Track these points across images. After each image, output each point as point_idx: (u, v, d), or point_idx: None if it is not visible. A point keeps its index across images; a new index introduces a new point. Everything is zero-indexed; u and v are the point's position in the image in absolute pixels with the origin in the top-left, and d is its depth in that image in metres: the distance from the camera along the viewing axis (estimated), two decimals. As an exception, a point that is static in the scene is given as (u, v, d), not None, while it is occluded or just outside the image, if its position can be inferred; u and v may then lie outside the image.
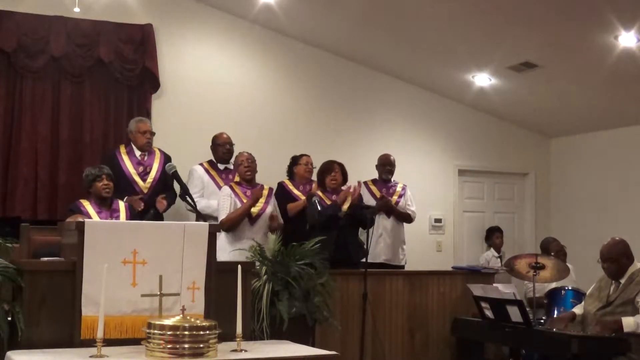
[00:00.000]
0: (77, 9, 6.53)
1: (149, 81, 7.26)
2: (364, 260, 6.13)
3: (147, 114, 7.12)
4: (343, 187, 6.59)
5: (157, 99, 7.35)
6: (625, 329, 4.94)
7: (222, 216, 6.04)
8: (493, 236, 8.62)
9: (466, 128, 8.90)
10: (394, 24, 7.21)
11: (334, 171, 6.55)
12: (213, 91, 7.63)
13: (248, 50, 7.84)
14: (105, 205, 5.67)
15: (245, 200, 6.09)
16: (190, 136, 7.26)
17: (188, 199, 5.74)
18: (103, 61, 7.05)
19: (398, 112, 8.54)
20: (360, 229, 6.57)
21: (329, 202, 6.44)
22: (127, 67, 7.15)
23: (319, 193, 6.47)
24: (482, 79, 8.04)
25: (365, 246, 6.11)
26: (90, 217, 5.49)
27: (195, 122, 7.40)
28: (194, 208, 5.67)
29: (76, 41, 6.95)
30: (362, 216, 6.29)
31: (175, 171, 6.13)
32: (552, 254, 6.98)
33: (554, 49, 7.07)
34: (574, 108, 8.44)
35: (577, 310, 5.50)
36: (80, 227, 3.60)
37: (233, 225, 6.01)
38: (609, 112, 8.22)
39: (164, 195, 6.30)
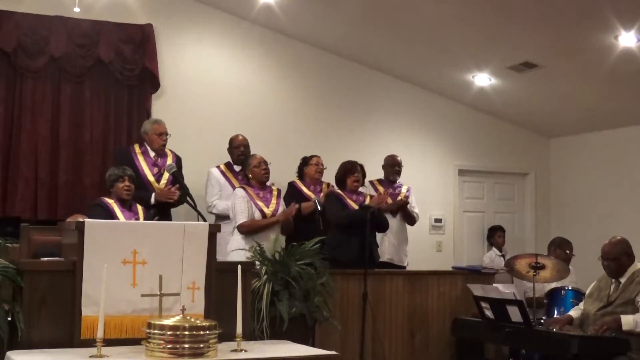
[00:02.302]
0: (77, 9, 6.53)
1: (149, 81, 7.26)
2: (383, 259, 6.31)
3: (147, 114, 7.13)
4: (360, 189, 6.62)
5: (157, 99, 7.35)
6: (624, 327, 4.94)
7: (240, 219, 5.99)
8: (495, 235, 8.65)
9: (466, 128, 8.90)
10: (394, 24, 7.21)
11: (357, 172, 6.55)
12: (213, 91, 7.63)
13: (248, 50, 7.84)
14: (126, 207, 5.67)
15: (259, 202, 6.07)
16: (190, 136, 7.25)
17: (188, 199, 5.76)
18: (103, 61, 7.05)
19: (398, 112, 8.54)
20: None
21: (351, 202, 6.44)
22: (127, 67, 7.15)
23: (339, 191, 6.48)
24: (482, 79, 8.04)
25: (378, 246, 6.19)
26: (114, 215, 5.50)
27: (195, 122, 7.40)
28: (193, 208, 5.69)
29: (76, 41, 6.95)
30: (380, 219, 6.32)
31: (175, 171, 6.15)
32: (567, 252, 6.99)
33: (554, 49, 7.07)
34: (574, 108, 8.44)
35: (574, 313, 5.49)
36: (80, 227, 3.60)
37: (253, 232, 5.97)
38: (609, 112, 8.22)
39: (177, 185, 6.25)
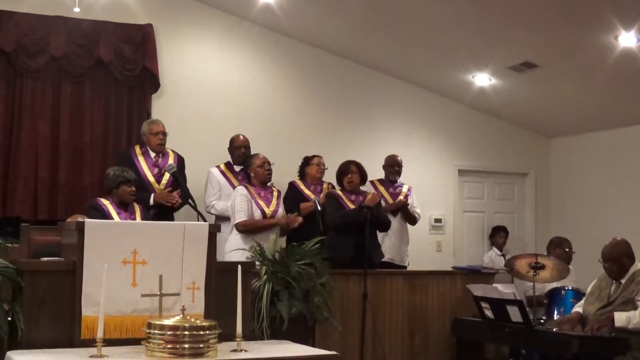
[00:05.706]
0: (77, 9, 6.54)
1: (149, 81, 7.26)
2: (383, 259, 6.37)
3: (147, 114, 7.13)
4: (362, 187, 6.63)
5: (157, 99, 7.35)
6: (617, 324, 4.95)
7: (239, 217, 5.98)
8: (497, 235, 8.66)
9: (466, 128, 8.90)
10: (394, 24, 7.21)
11: (350, 172, 6.54)
12: (213, 91, 7.63)
13: (248, 51, 7.84)
14: (123, 207, 5.66)
15: (260, 202, 6.07)
16: (190, 136, 7.25)
17: (190, 200, 5.75)
18: (103, 61, 7.05)
19: (398, 112, 8.54)
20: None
21: (348, 202, 6.43)
22: (127, 67, 7.15)
23: (340, 193, 6.48)
24: (482, 79, 8.04)
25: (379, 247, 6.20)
26: (110, 216, 5.49)
27: (195, 122, 7.40)
28: (194, 208, 5.68)
29: (76, 41, 6.95)
30: (380, 219, 6.33)
31: (175, 171, 6.14)
32: (567, 250, 6.99)
33: (554, 49, 7.07)
34: (574, 108, 8.44)
35: (579, 309, 5.49)
36: (80, 227, 3.60)
37: (252, 232, 5.95)
38: (609, 112, 8.22)
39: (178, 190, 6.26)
